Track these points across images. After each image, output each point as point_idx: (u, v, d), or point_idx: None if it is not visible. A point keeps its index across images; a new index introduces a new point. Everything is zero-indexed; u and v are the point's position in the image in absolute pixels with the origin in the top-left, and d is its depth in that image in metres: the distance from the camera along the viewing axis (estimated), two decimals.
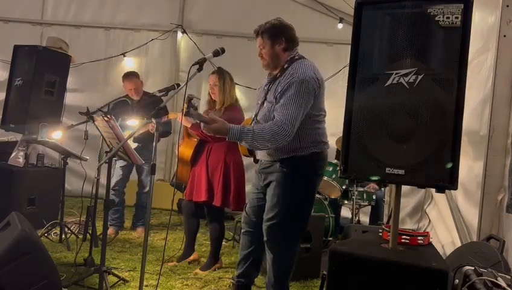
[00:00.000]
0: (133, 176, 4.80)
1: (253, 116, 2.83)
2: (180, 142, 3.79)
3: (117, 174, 4.60)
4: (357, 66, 2.11)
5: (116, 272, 3.24)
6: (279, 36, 2.63)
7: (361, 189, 4.74)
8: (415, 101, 1.97)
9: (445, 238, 3.66)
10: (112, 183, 4.56)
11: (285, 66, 2.64)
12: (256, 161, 2.88)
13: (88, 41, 6.53)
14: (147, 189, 4.68)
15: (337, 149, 5.12)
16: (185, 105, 3.52)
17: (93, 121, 3.33)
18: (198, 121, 2.52)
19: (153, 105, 4.12)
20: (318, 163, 2.68)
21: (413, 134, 1.97)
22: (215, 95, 3.63)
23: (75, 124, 3.87)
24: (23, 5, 6.58)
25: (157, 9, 6.57)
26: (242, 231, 2.93)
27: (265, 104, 2.68)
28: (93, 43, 6.54)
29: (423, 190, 4.41)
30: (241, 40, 6.12)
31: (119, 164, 4.59)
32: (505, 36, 2.86)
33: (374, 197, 4.77)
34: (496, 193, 2.85)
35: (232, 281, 3.02)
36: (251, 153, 2.92)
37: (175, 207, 5.44)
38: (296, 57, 2.67)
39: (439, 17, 1.94)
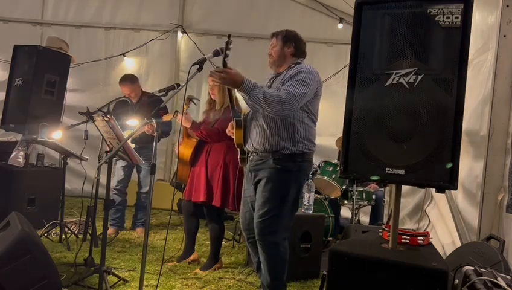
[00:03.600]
0: (134, 176, 4.80)
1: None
2: (179, 143, 3.79)
3: (118, 174, 4.61)
4: (357, 66, 2.11)
5: (116, 272, 3.24)
6: (290, 41, 2.88)
7: (361, 189, 4.73)
8: (415, 101, 1.97)
9: (445, 239, 3.66)
10: (114, 184, 4.57)
11: (292, 65, 2.84)
12: (243, 160, 2.94)
13: (88, 41, 6.53)
14: (144, 189, 4.68)
15: (339, 150, 5.12)
16: (185, 106, 3.54)
17: (93, 121, 3.32)
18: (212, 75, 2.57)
19: (152, 105, 4.12)
20: (306, 163, 2.81)
21: (413, 134, 1.97)
22: (215, 96, 3.63)
23: (75, 124, 3.87)
24: (23, 5, 6.58)
25: (157, 9, 6.57)
26: (246, 239, 2.99)
27: None
28: (93, 43, 6.54)
29: (423, 190, 4.41)
30: (241, 40, 6.12)
31: (119, 164, 4.59)
32: (505, 36, 2.86)
33: (374, 197, 4.77)
34: (496, 193, 2.86)
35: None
36: (245, 142, 2.91)
37: (175, 207, 5.44)
38: (301, 62, 2.90)
39: (439, 17, 1.94)
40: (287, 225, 2.78)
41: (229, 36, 2.63)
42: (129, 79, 4.67)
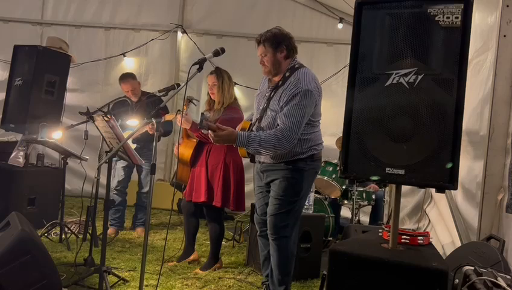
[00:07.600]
0: (135, 176, 4.80)
1: (254, 120, 2.92)
2: (179, 143, 3.79)
3: (118, 174, 4.60)
4: (357, 66, 2.11)
5: (116, 272, 3.24)
6: (280, 44, 2.74)
7: (362, 189, 4.73)
8: (415, 101, 1.96)
9: (445, 238, 3.66)
10: (114, 184, 4.56)
11: (287, 74, 2.76)
12: (253, 161, 2.99)
13: (88, 41, 6.52)
14: (145, 189, 4.68)
15: (339, 150, 5.11)
16: (185, 107, 3.54)
17: (93, 121, 3.32)
18: (209, 131, 2.64)
19: (152, 105, 4.12)
20: (316, 162, 2.89)
21: (413, 134, 1.97)
22: (214, 95, 3.63)
23: (75, 124, 3.87)
24: (23, 5, 6.57)
25: (157, 9, 6.56)
26: (257, 233, 3.06)
27: (268, 112, 2.79)
28: (93, 43, 6.53)
29: (423, 190, 4.41)
30: (241, 40, 6.12)
31: (120, 165, 4.59)
32: (505, 36, 2.86)
33: (374, 197, 4.77)
34: (496, 193, 2.85)
35: (263, 281, 3.15)
36: (249, 153, 2.98)
37: (175, 207, 5.44)
38: (297, 66, 2.78)
39: (439, 17, 1.94)
40: (296, 220, 2.87)
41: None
42: (130, 76, 4.67)
